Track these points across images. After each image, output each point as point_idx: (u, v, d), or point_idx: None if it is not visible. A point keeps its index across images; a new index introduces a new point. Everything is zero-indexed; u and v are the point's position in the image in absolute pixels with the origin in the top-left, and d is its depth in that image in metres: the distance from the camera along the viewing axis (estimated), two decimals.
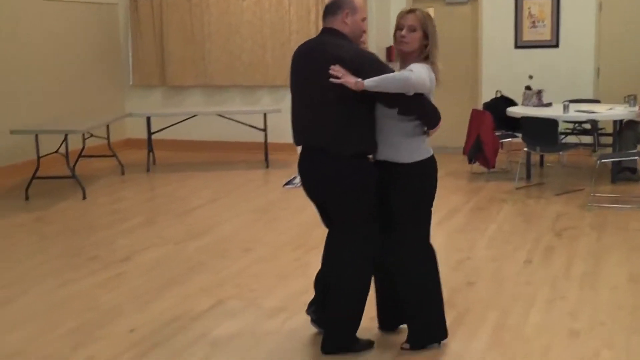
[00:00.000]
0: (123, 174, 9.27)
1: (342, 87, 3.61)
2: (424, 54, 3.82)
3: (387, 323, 4.24)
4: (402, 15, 3.83)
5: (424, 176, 3.90)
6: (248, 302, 4.79)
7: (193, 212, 7.32)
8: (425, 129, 3.85)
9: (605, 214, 6.85)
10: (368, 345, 4.03)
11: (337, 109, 3.74)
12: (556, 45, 10.03)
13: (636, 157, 7.51)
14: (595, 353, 3.93)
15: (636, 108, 8.27)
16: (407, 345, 4.01)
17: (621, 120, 8.35)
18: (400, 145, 3.81)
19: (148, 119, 9.75)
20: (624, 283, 5.02)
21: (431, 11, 10.60)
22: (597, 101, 9.34)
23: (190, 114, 10.06)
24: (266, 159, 9.66)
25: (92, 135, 9.29)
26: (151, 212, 7.48)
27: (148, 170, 9.50)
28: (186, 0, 10.76)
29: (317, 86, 3.74)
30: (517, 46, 10.24)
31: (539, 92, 8.76)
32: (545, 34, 10.10)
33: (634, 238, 6.08)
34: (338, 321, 3.98)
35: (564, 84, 9.82)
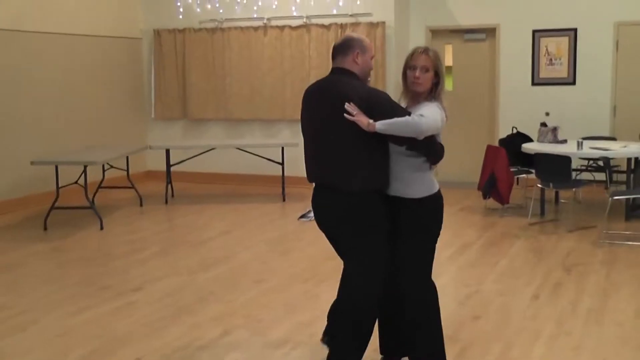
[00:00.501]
0: (141, 205, 9.41)
1: (354, 126, 3.69)
2: (434, 93, 3.89)
3: (389, 351, 4.27)
4: (416, 56, 3.86)
5: (432, 211, 3.94)
6: (255, 332, 4.86)
7: (208, 243, 7.42)
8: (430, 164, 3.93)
9: (616, 251, 6.85)
10: None
11: (348, 147, 3.79)
12: (573, 83, 10.08)
13: None
14: None
15: None
16: None
17: (636, 158, 8.38)
18: (409, 180, 3.87)
19: (167, 151, 9.92)
20: (631, 319, 5.02)
21: (449, 48, 10.77)
22: (613, 139, 9.36)
23: (209, 147, 10.21)
24: (283, 192, 9.77)
25: (111, 167, 9.46)
26: (166, 242, 7.59)
27: (166, 202, 9.65)
28: (208, 34, 10.99)
29: (330, 125, 3.81)
30: (534, 83, 10.30)
31: (555, 129, 8.80)
32: (562, 72, 10.16)
33: None
34: (344, 348, 4.00)
35: (581, 121, 9.85)
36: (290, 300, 5.53)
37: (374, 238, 3.87)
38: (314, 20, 10.45)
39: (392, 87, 10.28)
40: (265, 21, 10.68)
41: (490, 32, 10.51)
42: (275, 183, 10.18)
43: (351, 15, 10.26)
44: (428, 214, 3.93)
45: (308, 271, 6.31)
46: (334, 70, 3.96)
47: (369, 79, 4.07)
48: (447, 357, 4.08)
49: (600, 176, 9.15)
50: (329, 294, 5.60)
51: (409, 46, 10.76)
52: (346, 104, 3.69)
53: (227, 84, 10.98)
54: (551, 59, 10.18)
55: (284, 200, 9.68)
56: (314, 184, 4.05)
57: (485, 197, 8.59)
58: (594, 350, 4.47)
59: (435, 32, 10.73)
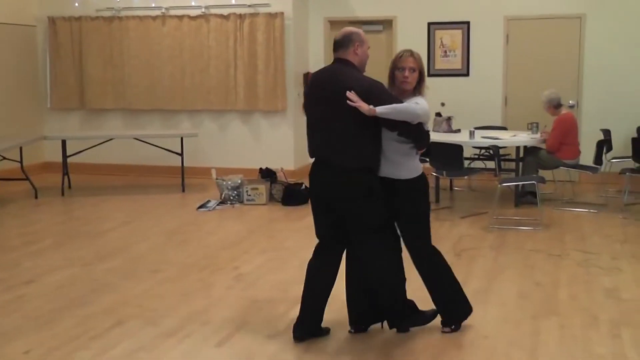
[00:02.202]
0: (36, 197, 9.20)
1: (354, 112, 4.13)
2: (419, 88, 4.42)
3: (359, 321, 4.66)
4: (404, 58, 4.38)
5: (419, 190, 4.47)
6: (148, 322, 4.85)
7: (104, 235, 7.33)
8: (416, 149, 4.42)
9: (505, 235, 7.14)
10: (434, 314, 4.72)
11: (348, 130, 4.25)
12: (467, 74, 10.42)
13: (534, 182, 7.83)
14: None
15: (538, 135, 8.67)
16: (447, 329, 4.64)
17: (525, 147, 8.74)
18: (400, 163, 4.36)
19: (63, 142, 9.70)
20: (513, 299, 5.26)
21: None
22: (504, 128, 9.72)
23: (108, 137, 10.07)
24: (182, 183, 9.72)
25: (4, 158, 9.19)
26: (61, 235, 7.45)
27: (62, 193, 9.46)
28: (105, 23, 10.81)
29: (333, 109, 4.26)
30: (429, 74, 10.53)
31: (449, 119, 9.08)
32: (457, 63, 10.48)
33: (528, 257, 6.37)
34: (395, 309, 4.57)
35: (475, 112, 10.19)
36: (186, 290, 5.55)
37: (375, 209, 4.32)
38: (213, 11, 10.43)
39: (292, 77, 10.38)
40: (163, 11, 10.58)
41: (387, 24, 10.73)
42: (174, 174, 10.11)
43: (250, 6, 10.28)
44: (416, 192, 4.44)
45: (204, 261, 6.33)
46: (337, 61, 4.41)
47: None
48: (335, 345, 4.21)
49: (492, 164, 9.47)
50: (224, 283, 5.67)
51: (308, 37, 10.89)
52: (347, 92, 4.13)
53: (125, 73, 10.82)
54: (446, 51, 10.48)
55: (183, 190, 9.63)
56: (313, 160, 4.50)
57: None
58: (478, 329, 4.67)
59: (334, 23, 10.87)
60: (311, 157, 4.52)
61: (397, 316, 4.61)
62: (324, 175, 4.38)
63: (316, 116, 4.42)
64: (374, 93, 4.21)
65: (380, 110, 4.12)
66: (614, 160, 9.08)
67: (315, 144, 4.44)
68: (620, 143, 9.51)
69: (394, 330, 4.63)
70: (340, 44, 4.39)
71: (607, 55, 9.88)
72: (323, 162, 4.38)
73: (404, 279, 4.58)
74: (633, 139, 8.47)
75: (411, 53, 4.38)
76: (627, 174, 8.32)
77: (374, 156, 4.33)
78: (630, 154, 8.47)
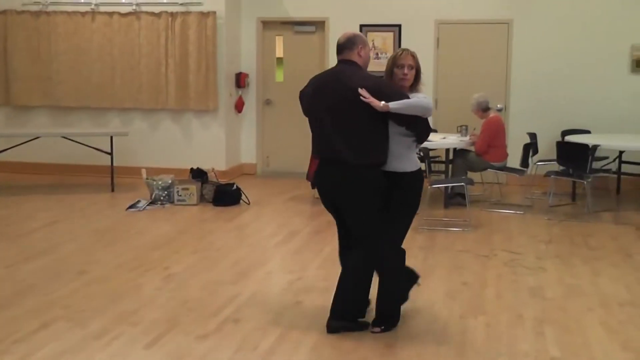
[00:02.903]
0: None
1: (365, 109, 4.34)
2: (415, 86, 4.60)
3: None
4: (404, 56, 4.54)
5: (420, 182, 4.67)
6: (75, 323, 4.75)
7: (29, 235, 7.16)
8: (417, 143, 4.64)
9: (434, 236, 7.25)
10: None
11: (358, 127, 4.43)
12: None
13: (463, 184, 7.97)
14: None
15: (467, 138, 8.83)
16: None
17: (454, 149, 8.89)
18: (404, 156, 4.54)
19: None
20: (441, 299, 5.35)
21: (280, 39, 10.93)
22: (434, 131, 9.84)
23: (34, 135, 9.81)
24: (112, 182, 9.55)
25: None
26: None
27: None
28: (32, 18, 10.55)
29: (342, 108, 4.45)
30: None
31: None
32: None
33: (457, 258, 6.48)
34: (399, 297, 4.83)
35: None
36: (114, 291, 5.46)
37: (374, 205, 4.50)
38: (144, 8, 10.30)
39: (224, 77, 10.33)
40: (93, 7, 10.40)
41: (320, 25, 10.77)
42: (104, 173, 9.94)
43: (182, 4, 10.19)
44: (420, 183, 4.66)
45: (134, 261, 6.24)
46: (342, 62, 4.59)
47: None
48: (267, 345, 4.20)
49: (422, 166, 9.60)
50: (154, 283, 5.61)
51: (240, 37, 10.85)
52: (359, 89, 4.33)
53: (53, 70, 10.59)
54: (378, 53, 10.58)
55: (112, 190, 9.47)
56: (319, 159, 4.63)
57: (313, 186, 8.79)
58: (406, 329, 4.72)
59: (267, 24, 10.87)
60: (318, 157, 4.65)
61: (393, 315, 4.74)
62: (333, 175, 4.51)
63: (325, 116, 4.52)
64: (384, 90, 4.41)
65: (394, 105, 4.33)
66: (539, 163, 9.32)
67: (324, 144, 4.54)
68: (546, 146, 9.77)
69: (325, 333, 4.64)
70: (344, 46, 4.57)
71: (533, 60, 10.14)
72: (333, 161, 4.49)
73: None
74: (558, 143, 8.70)
75: (408, 51, 4.56)
76: (552, 176, 8.54)
77: (385, 151, 4.49)
78: (555, 157, 8.70)
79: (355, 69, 4.55)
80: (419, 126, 4.50)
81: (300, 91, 4.81)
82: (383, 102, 4.32)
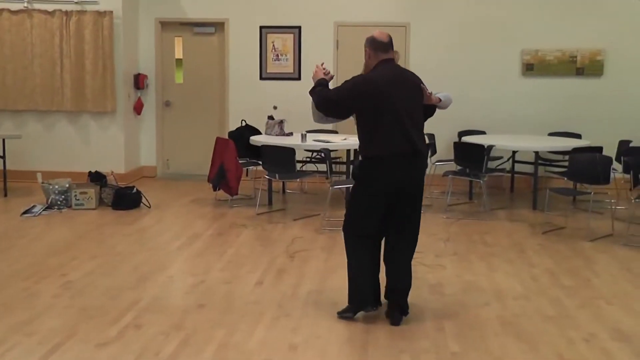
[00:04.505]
0: None
1: (421, 102, 4.89)
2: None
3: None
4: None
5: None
6: None
7: None
8: None
9: (335, 236, 7.30)
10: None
11: (421, 119, 4.93)
12: (298, 78, 10.58)
13: None
14: None
15: None
16: None
17: (355, 150, 8.98)
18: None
19: None
20: (344, 299, 5.35)
21: (179, 40, 10.81)
22: (335, 132, 9.95)
23: None
24: (5, 187, 9.20)
25: None
26: None
27: None
28: None
29: (413, 103, 4.83)
30: (262, 77, 10.68)
31: (281, 122, 9.18)
32: (288, 67, 10.63)
33: None
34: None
35: (307, 115, 10.20)
36: (8, 300, 5.25)
37: None
38: (36, 5, 9.98)
39: (121, 78, 10.13)
40: None
41: (219, 26, 10.70)
42: None
43: (77, 3, 9.92)
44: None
45: (30, 269, 6.03)
46: (391, 60, 4.92)
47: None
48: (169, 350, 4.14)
49: (324, 167, 9.68)
50: (51, 291, 5.44)
51: (138, 37, 10.67)
52: (421, 85, 4.88)
53: None
54: (278, 55, 10.60)
55: (5, 195, 9.13)
56: (385, 154, 4.69)
57: (215, 188, 8.75)
58: (310, 327, 4.76)
59: (165, 24, 10.73)
60: (390, 153, 4.69)
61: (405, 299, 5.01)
62: (416, 166, 4.81)
63: (403, 112, 4.72)
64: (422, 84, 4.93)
65: (442, 98, 4.97)
66: (438, 164, 9.54)
67: (402, 137, 4.70)
68: (444, 147, 10.03)
69: (231, 337, 4.61)
70: (387, 47, 4.90)
71: (429, 62, 10.38)
72: (411, 154, 4.74)
73: None
74: (455, 143, 8.93)
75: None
76: (450, 176, 8.76)
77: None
78: (452, 157, 8.93)
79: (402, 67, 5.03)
80: (431, 115, 5.05)
81: (359, 90, 4.76)
82: (434, 95, 4.88)
